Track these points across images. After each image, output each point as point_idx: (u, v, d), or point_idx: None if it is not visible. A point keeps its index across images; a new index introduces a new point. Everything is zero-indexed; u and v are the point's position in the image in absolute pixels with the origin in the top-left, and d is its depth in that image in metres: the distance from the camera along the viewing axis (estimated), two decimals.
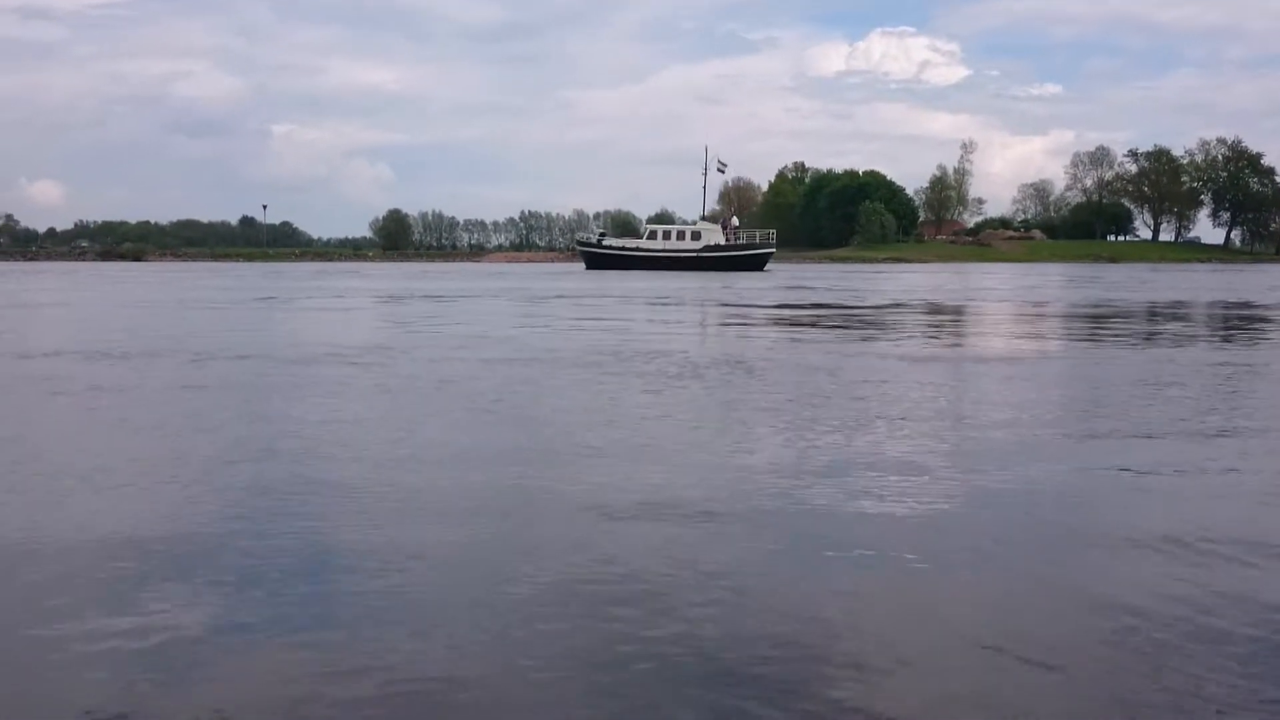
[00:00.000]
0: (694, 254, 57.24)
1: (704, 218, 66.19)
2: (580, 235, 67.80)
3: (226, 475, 4.73)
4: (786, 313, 18.14)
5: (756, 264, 56.74)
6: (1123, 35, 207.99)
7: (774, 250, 59.81)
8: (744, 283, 34.59)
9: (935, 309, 20.17)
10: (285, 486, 4.48)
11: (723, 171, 66.15)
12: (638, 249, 59.28)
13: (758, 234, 61.06)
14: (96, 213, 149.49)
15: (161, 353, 10.46)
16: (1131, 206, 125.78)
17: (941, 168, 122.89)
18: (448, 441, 5.63)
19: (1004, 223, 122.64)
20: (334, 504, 4.18)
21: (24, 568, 3.38)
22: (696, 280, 38.41)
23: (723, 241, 58.31)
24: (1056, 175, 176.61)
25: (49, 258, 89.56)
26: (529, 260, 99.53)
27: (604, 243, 62.98)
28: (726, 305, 21.29)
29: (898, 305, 20.86)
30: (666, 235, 59.93)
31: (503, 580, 3.25)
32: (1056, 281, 38.96)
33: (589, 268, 57.38)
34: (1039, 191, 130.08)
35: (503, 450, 5.34)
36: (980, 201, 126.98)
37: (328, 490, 4.41)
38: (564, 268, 65.90)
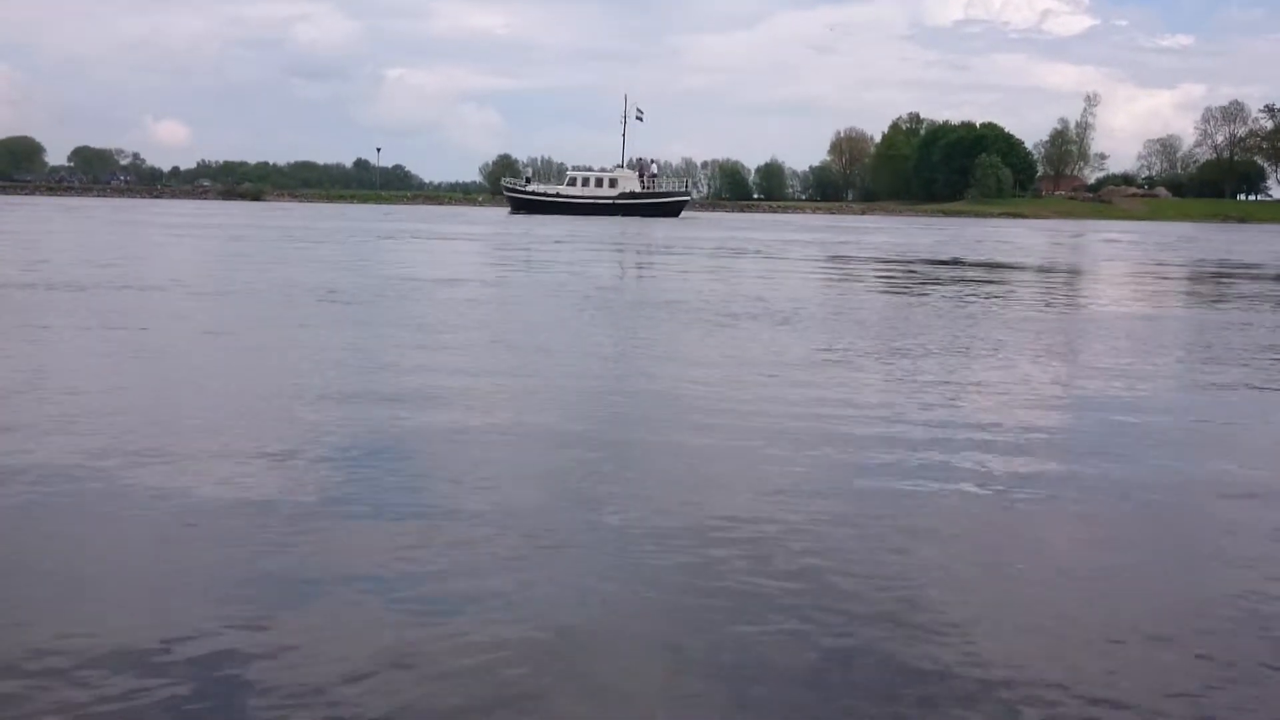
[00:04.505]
0: (610, 200, 59.50)
1: (622, 165, 66.36)
2: (507, 180, 67.33)
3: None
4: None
5: (672, 211, 59.02)
6: None
7: (689, 198, 64.33)
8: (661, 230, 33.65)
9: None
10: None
11: (641, 120, 66.83)
12: (559, 195, 61.26)
13: (674, 182, 65.54)
14: (218, 153, 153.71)
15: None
16: (1265, 165, 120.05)
17: (1063, 121, 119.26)
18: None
19: (1127, 179, 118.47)
20: None
21: None
22: (614, 226, 39.02)
23: (639, 189, 60.40)
24: (1184, 131, 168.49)
25: (173, 195, 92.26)
26: None
27: (529, 188, 63.53)
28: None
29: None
30: (585, 182, 62.13)
31: None
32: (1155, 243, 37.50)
33: (513, 211, 59.16)
34: (1165, 148, 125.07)
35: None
36: (1102, 157, 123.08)
37: None
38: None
